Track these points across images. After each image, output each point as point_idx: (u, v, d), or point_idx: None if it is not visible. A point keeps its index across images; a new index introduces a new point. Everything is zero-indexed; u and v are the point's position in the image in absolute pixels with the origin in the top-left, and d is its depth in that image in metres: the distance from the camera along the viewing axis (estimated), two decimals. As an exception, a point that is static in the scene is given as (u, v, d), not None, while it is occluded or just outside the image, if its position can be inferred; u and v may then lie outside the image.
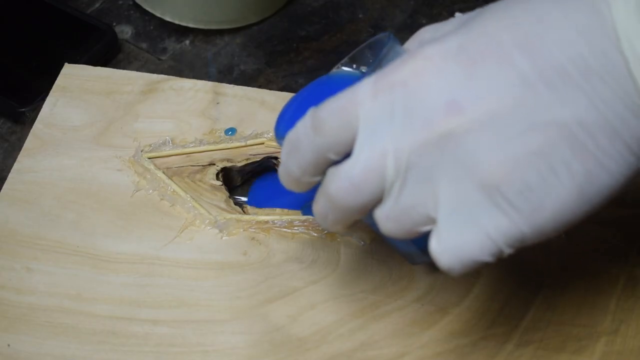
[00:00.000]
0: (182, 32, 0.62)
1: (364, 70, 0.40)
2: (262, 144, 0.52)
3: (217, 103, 0.53)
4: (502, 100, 0.32)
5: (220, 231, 0.47)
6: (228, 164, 0.51)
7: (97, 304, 0.45)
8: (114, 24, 0.62)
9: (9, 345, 0.43)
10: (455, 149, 0.32)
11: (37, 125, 0.52)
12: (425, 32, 0.38)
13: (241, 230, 0.48)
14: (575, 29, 0.32)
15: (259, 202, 0.50)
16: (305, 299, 0.45)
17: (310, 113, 0.35)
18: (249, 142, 0.51)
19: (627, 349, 0.43)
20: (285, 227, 0.48)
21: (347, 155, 0.34)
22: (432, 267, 0.40)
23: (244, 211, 0.49)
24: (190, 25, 0.61)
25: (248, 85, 0.56)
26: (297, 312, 0.44)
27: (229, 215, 0.48)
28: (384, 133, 0.33)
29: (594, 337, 0.44)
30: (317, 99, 0.35)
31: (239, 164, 0.51)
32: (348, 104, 0.34)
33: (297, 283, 0.45)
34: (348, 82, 0.35)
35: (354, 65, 0.40)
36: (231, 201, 0.49)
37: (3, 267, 0.46)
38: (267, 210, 0.49)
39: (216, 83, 0.55)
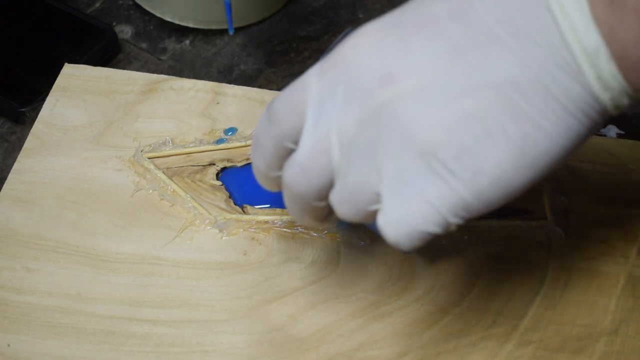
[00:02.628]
0: (182, 32, 0.62)
1: None
2: (262, 144, 0.52)
3: (217, 103, 0.53)
4: (434, 68, 0.32)
5: (220, 231, 0.47)
6: (228, 164, 0.51)
7: (97, 304, 0.45)
8: (114, 24, 0.62)
9: (9, 345, 0.43)
10: (391, 120, 0.32)
11: (37, 125, 0.52)
12: None
13: (241, 230, 0.48)
14: None
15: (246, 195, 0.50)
16: (305, 299, 0.45)
17: (267, 106, 0.36)
18: (249, 142, 0.51)
19: (627, 349, 0.43)
20: (285, 227, 0.48)
21: None
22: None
23: (244, 211, 0.49)
24: (190, 25, 0.61)
25: (248, 85, 0.56)
26: (297, 312, 0.44)
27: (229, 215, 0.48)
28: (329, 113, 0.33)
29: (594, 337, 0.44)
30: None
31: (239, 164, 0.51)
32: (296, 90, 0.34)
33: (297, 283, 0.45)
34: None
35: None
36: (231, 201, 0.49)
37: (3, 267, 0.46)
38: (267, 210, 0.49)
39: (216, 83, 0.55)
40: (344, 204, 0.34)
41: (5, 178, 0.50)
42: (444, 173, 0.32)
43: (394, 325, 0.44)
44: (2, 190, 0.49)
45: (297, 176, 0.34)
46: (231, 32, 0.55)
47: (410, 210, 0.33)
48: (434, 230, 0.33)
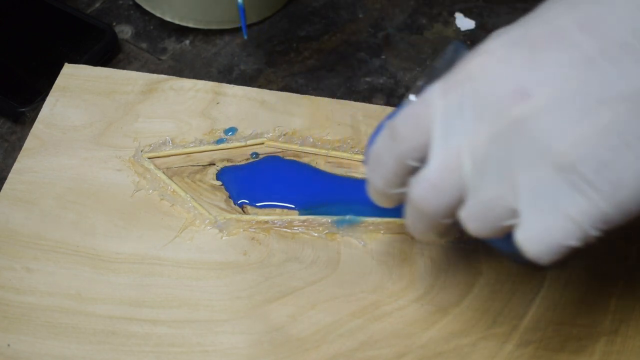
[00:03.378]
0: (182, 32, 0.62)
1: None
2: (262, 144, 0.52)
3: (217, 103, 0.53)
4: (567, 81, 0.32)
5: (220, 231, 0.48)
6: (228, 164, 0.51)
7: (97, 304, 0.45)
8: (114, 24, 0.62)
9: (9, 345, 0.43)
10: (527, 135, 0.32)
11: (37, 125, 0.52)
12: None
13: (241, 230, 0.48)
14: (634, 4, 0.32)
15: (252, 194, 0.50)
16: (305, 299, 0.45)
17: (387, 124, 0.36)
18: (249, 142, 0.51)
19: (627, 349, 0.43)
20: (285, 227, 0.48)
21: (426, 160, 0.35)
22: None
23: (244, 211, 0.49)
24: (190, 25, 0.61)
25: (248, 85, 0.56)
26: (297, 312, 0.44)
27: (229, 215, 0.48)
28: (457, 130, 0.33)
29: (594, 337, 0.44)
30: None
31: (239, 164, 0.51)
32: (420, 107, 0.35)
33: (297, 283, 0.46)
34: None
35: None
36: (231, 201, 0.49)
37: (3, 267, 0.46)
38: (267, 210, 0.49)
39: (216, 83, 0.55)
40: (476, 220, 0.34)
41: (5, 178, 0.50)
42: (584, 187, 0.32)
43: (394, 325, 0.44)
44: (2, 190, 0.49)
45: (427, 193, 0.34)
46: (245, 37, 0.55)
47: (551, 224, 0.33)
48: (574, 244, 0.33)
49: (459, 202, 0.35)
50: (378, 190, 0.38)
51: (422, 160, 0.35)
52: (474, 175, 0.33)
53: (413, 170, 0.35)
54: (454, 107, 0.34)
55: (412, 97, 0.37)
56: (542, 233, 0.33)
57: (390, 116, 0.39)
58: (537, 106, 0.32)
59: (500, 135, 0.33)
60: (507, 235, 0.35)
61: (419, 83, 0.39)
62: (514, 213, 0.33)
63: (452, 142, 0.34)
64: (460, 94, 0.33)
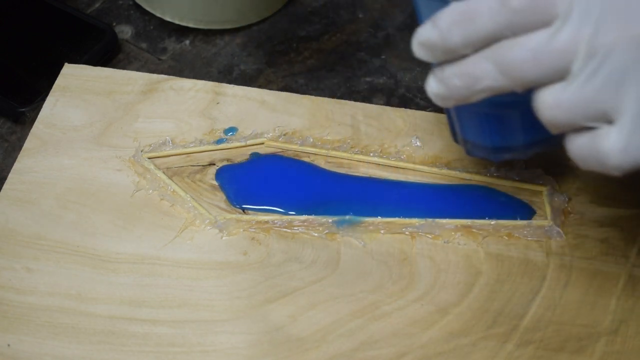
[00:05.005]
0: (182, 32, 0.62)
1: None
2: (262, 143, 0.52)
3: (217, 103, 0.53)
4: None
5: (220, 231, 0.48)
6: (228, 164, 0.51)
7: (97, 304, 0.45)
8: (114, 24, 0.62)
9: (9, 345, 0.43)
10: None
11: (37, 125, 0.52)
12: None
13: (241, 230, 0.48)
14: None
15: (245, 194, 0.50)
16: (305, 299, 0.45)
17: None
18: (249, 142, 0.51)
19: (627, 349, 0.43)
20: (285, 227, 0.48)
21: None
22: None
23: (244, 211, 0.49)
24: (190, 25, 0.61)
25: (248, 85, 0.56)
26: (297, 312, 0.44)
27: (229, 215, 0.48)
28: (584, 20, 0.33)
29: (594, 337, 0.44)
30: None
31: (237, 163, 0.51)
32: None
33: (297, 283, 0.46)
34: None
35: None
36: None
37: (3, 267, 0.46)
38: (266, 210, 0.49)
39: (216, 83, 0.55)
40: (560, 109, 0.34)
41: (5, 178, 0.50)
42: None
43: (394, 325, 0.44)
44: (2, 190, 0.49)
45: (525, 61, 0.34)
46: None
47: None
48: None
49: (547, 82, 0.34)
50: (448, 45, 0.37)
51: (521, 34, 0.35)
52: (583, 68, 0.33)
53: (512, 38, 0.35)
54: (584, 2, 0.33)
55: None
56: (636, 148, 0.33)
57: None
58: None
59: (628, 42, 0.33)
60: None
61: None
62: (604, 119, 0.34)
63: (575, 28, 0.33)
64: None
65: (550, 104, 0.34)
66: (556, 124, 0.35)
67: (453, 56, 0.37)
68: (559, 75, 0.34)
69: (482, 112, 0.42)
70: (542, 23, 0.34)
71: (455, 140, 0.46)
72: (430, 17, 0.37)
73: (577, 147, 0.35)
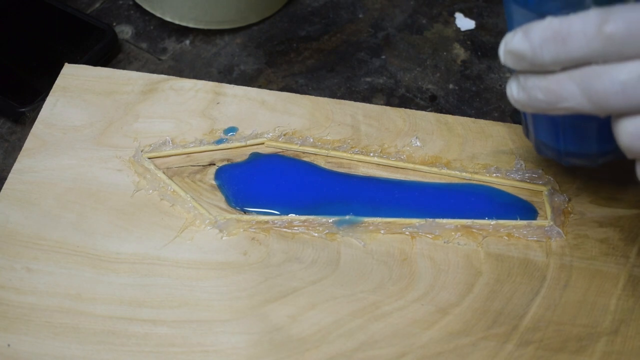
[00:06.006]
0: (182, 32, 0.62)
1: None
2: (262, 144, 0.52)
3: (217, 103, 0.53)
4: None
5: (221, 231, 0.48)
6: (227, 164, 0.51)
7: (97, 304, 0.45)
8: (114, 24, 0.62)
9: (9, 345, 0.43)
10: None
11: (37, 125, 0.52)
12: None
13: (241, 230, 0.48)
14: None
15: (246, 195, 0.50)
16: (305, 299, 0.45)
17: (598, 15, 0.35)
18: (249, 142, 0.51)
19: (627, 349, 0.43)
20: (285, 227, 0.48)
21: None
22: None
23: (244, 211, 0.49)
24: (190, 25, 0.61)
25: (248, 85, 0.56)
26: (297, 312, 0.44)
27: (229, 215, 0.48)
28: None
29: (594, 337, 0.44)
30: None
31: (237, 162, 0.51)
32: None
33: (297, 283, 0.46)
34: None
35: None
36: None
37: (3, 267, 0.46)
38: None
39: (216, 83, 0.55)
40: (616, 91, 0.35)
41: (5, 178, 0.50)
42: None
43: (394, 325, 0.44)
44: (2, 190, 0.49)
45: (614, 93, 0.35)
46: None
47: None
48: None
49: (632, 114, 0.35)
50: (538, 60, 0.37)
51: (617, 59, 0.35)
52: None
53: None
54: None
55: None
56: None
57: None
58: None
59: None
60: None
61: None
62: None
63: None
64: None
65: (632, 134, 0.35)
66: (633, 152, 0.36)
67: (540, 70, 0.37)
68: None
69: (558, 119, 0.42)
70: (636, 54, 0.35)
71: (527, 135, 0.46)
72: (522, 24, 0.37)
73: None
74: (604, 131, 0.40)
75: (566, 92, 0.36)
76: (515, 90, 0.38)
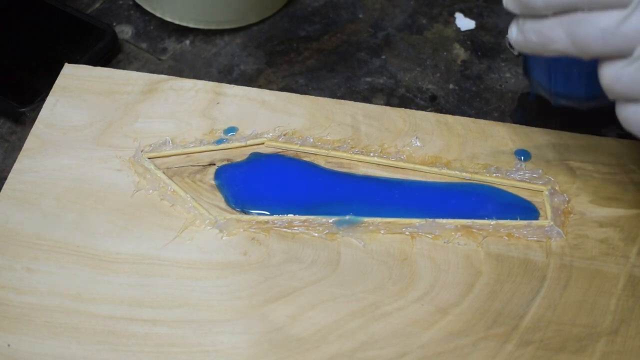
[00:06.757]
0: (182, 32, 0.62)
1: None
2: (262, 144, 0.52)
3: (217, 103, 0.53)
4: None
5: (221, 231, 0.48)
6: (227, 164, 0.51)
7: (97, 304, 0.45)
8: (114, 24, 0.62)
9: (9, 345, 0.43)
10: None
11: (37, 125, 0.52)
12: None
13: (241, 230, 0.48)
14: None
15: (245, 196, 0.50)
16: (305, 299, 0.45)
17: None
18: (249, 142, 0.51)
19: (627, 349, 0.43)
20: (285, 227, 0.48)
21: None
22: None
23: (244, 211, 0.49)
24: (191, 25, 0.61)
25: (248, 85, 0.56)
26: (297, 312, 0.44)
27: (229, 215, 0.48)
28: None
29: (594, 337, 0.44)
30: None
31: (237, 162, 0.51)
32: None
33: (297, 283, 0.46)
34: None
35: None
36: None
37: (3, 267, 0.46)
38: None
39: (216, 83, 0.55)
40: (624, 84, 0.38)
41: (5, 178, 0.50)
42: None
43: (394, 325, 0.44)
44: (2, 190, 0.49)
45: (594, 39, 0.38)
46: None
47: None
48: None
49: (611, 58, 0.38)
50: (530, 3, 0.40)
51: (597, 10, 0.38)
52: None
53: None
54: None
55: None
56: None
57: None
58: None
59: None
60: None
61: None
62: None
63: None
64: None
65: (611, 77, 0.38)
66: (613, 93, 0.39)
67: (535, 13, 0.40)
68: (623, 54, 0.38)
69: (551, 60, 0.47)
70: (617, 2, 0.37)
71: (525, 75, 0.50)
72: None
73: (628, 113, 0.39)
74: (591, 75, 0.42)
75: (555, 35, 0.40)
76: (514, 32, 0.42)
